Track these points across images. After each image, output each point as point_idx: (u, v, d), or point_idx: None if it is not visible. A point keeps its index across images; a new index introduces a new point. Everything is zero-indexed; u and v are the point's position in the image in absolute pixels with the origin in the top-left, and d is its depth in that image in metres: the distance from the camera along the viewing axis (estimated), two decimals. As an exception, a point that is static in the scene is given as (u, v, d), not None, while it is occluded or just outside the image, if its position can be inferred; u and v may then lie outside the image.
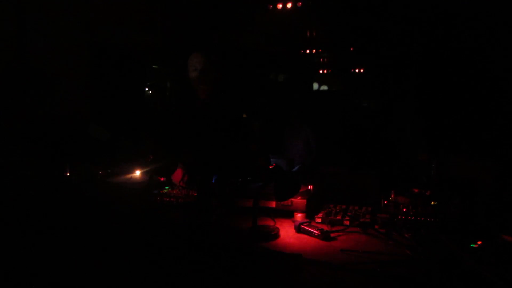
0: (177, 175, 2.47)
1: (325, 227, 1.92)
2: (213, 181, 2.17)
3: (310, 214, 2.10)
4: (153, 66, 7.02)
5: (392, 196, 2.18)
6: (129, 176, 2.92)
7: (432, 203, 2.04)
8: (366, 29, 5.65)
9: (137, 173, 2.97)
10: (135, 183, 2.81)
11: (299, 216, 2.07)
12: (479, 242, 1.62)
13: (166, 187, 2.50)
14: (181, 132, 2.44)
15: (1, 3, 2.77)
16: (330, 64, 9.08)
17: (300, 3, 5.07)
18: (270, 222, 2.01)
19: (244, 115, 2.43)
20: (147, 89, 6.03)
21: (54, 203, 2.27)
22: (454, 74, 4.76)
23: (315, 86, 10.04)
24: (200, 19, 5.89)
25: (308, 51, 7.88)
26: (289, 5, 5.17)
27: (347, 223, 1.98)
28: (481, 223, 1.88)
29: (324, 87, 10.20)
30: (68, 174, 2.49)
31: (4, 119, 2.48)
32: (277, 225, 1.96)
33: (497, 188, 2.56)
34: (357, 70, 8.87)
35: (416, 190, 2.23)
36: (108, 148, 2.83)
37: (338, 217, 2.02)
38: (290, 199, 2.10)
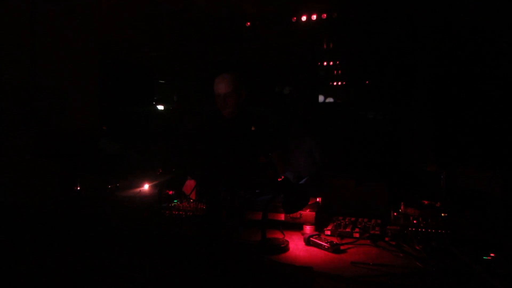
0: (189, 186, 2.48)
1: (335, 240, 1.91)
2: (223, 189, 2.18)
3: (319, 226, 2.09)
4: (160, 81, 7.11)
5: (402, 208, 2.16)
6: (138, 189, 2.94)
7: (442, 214, 2.02)
8: (374, 41, 5.69)
9: (146, 186, 2.99)
10: (144, 196, 2.83)
11: (308, 229, 2.06)
12: (492, 254, 1.61)
13: (175, 200, 2.51)
14: (195, 146, 2.50)
15: (14, 21, 2.84)
16: (336, 76, 9.10)
17: (325, 15, 5.13)
18: (279, 235, 2.01)
19: (253, 128, 2.45)
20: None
21: (64, 216, 2.29)
22: (463, 85, 4.76)
23: (321, 98, 10.08)
24: (206, 32, 5.97)
25: (313, 63, 7.93)
26: (314, 17, 5.24)
27: (357, 235, 1.97)
28: (493, 234, 1.86)
29: (330, 99, 10.23)
30: (78, 188, 2.51)
31: (16, 134, 2.52)
32: (286, 238, 1.95)
33: (507, 199, 2.54)
34: (363, 82, 8.88)
35: (426, 202, 2.21)
36: (117, 162, 2.86)
37: (348, 230, 2.01)
38: (299, 212, 2.10)
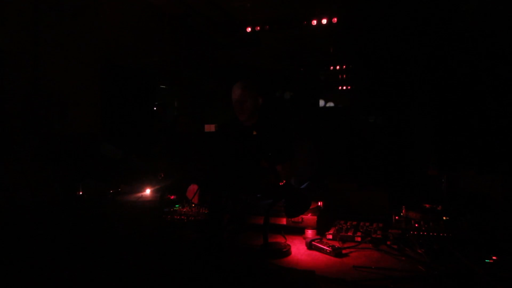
0: (192, 191, 2.48)
1: (337, 244, 1.91)
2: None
3: (321, 230, 2.09)
4: (161, 86, 7.13)
5: (403, 211, 2.16)
6: (139, 194, 2.94)
7: (444, 218, 2.02)
8: (374, 44, 5.71)
9: (148, 191, 2.99)
10: (146, 201, 2.83)
11: (310, 233, 2.06)
12: (494, 257, 1.61)
13: (177, 205, 2.51)
14: (199, 150, 2.50)
15: (17, 26, 2.86)
16: (336, 80, 9.13)
17: (336, 19, 5.16)
18: (281, 239, 2.01)
19: (254, 132, 2.45)
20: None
21: (65, 220, 2.29)
22: (464, 88, 4.76)
23: (321, 103, 10.10)
24: (207, 39, 5.99)
25: (313, 68, 7.95)
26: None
27: (359, 239, 1.97)
28: (495, 237, 1.86)
29: (330, 104, 10.26)
30: (80, 192, 2.51)
31: (18, 138, 2.53)
32: (288, 242, 1.95)
33: (508, 202, 2.54)
34: (363, 86, 8.90)
35: (427, 205, 2.21)
36: (119, 167, 2.87)
37: (349, 234, 2.01)
38: (300, 216, 2.10)
